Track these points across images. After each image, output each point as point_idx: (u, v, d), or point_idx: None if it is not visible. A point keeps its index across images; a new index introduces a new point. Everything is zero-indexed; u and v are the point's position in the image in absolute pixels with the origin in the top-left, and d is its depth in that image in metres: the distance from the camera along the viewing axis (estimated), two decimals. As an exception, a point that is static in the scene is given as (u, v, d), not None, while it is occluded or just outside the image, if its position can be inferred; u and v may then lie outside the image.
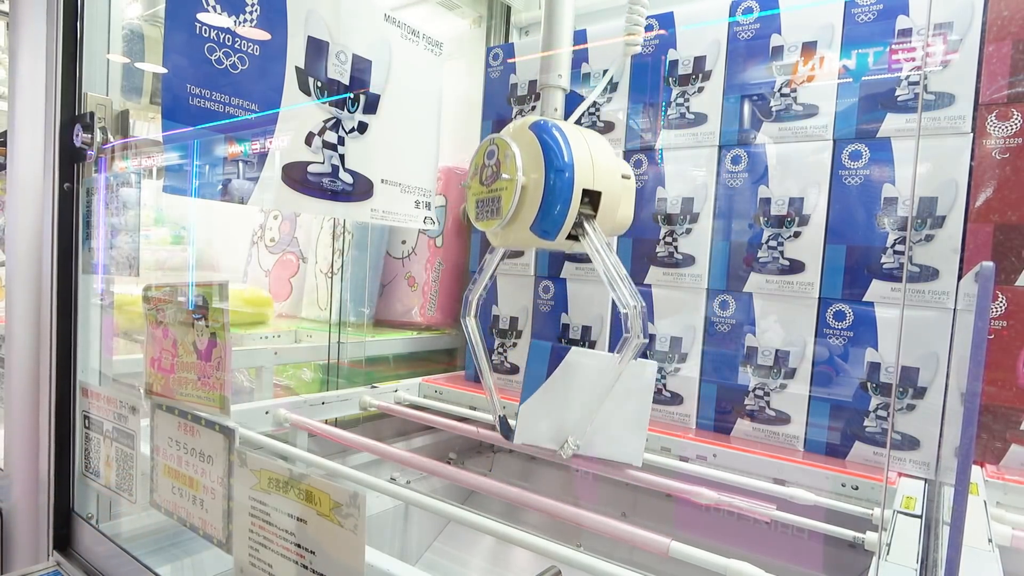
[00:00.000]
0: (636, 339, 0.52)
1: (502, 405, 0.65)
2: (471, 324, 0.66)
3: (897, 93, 0.66)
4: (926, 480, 0.64)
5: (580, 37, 0.85)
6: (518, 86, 0.94)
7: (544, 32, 0.65)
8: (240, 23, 0.61)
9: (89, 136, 0.69)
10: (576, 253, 0.87)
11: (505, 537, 0.52)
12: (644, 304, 0.53)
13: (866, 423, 0.67)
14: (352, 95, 0.73)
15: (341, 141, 0.72)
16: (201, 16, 0.58)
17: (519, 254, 0.93)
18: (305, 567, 0.45)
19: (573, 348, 0.56)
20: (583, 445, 0.57)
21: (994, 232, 0.62)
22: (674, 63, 0.79)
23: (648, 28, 0.79)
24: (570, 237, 0.57)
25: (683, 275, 0.78)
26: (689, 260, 0.78)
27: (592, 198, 0.57)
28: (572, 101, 0.67)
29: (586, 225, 0.56)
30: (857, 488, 0.63)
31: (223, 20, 0.60)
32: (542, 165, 0.54)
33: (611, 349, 0.84)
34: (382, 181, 0.77)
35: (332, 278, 1.13)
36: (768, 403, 0.73)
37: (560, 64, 0.64)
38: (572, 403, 0.57)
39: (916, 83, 0.65)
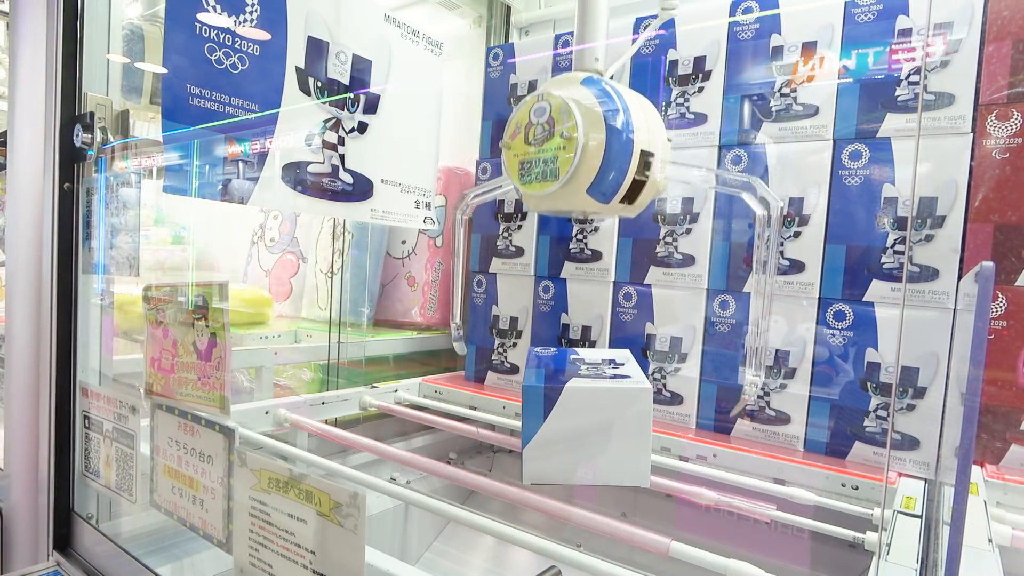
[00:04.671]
0: (771, 206, 0.49)
1: (459, 325, 0.62)
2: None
3: (897, 93, 0.66)
4: (926, 480, 0.64)
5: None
6: (518, 86, 0.94)
7: (578, 17, 0.62)
8: (240, 23, 0.61)
9: (89, 136, 0.69)
10: (584, 253, 0.87)
11: (505, 537, 0.52)
12: (758, 179, 0.51)
13: (866, 423, 0.67)
14: (352, 95, 0.73)
15: (341, 141, 0.72)
16: (201, 16, 0.58)
17: (519, 253, 0.93)
18: (305, 567, 0.45)
19: (566, 387, 0.56)
20: (589, 474, 0.56)
21: (994, 232, 0.62)
22: (674, 63, 0.79)
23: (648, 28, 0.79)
24: (622, 199, 0.55)
25: (683, 275, 0.78)
26: (689, 260, 0.78)
27: (647, 157, 0.54)
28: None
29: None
30: (857, 488, 0.63)
31: (223, 20, 0.60)
32: (602, 124, 0.51)
33: (611, 347, 0.84)
34: (382, 181, 0.77)
35: (332, 278, 1.13)
36: (768, 403, 0.73)
37: (596, 48, 0.61)
38: (574, 439, 0.56)
39: (916, 83, 0.65)
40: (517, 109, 0.58)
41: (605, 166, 0.52)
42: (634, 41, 0.80)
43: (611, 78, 0.60)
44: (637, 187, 0.54)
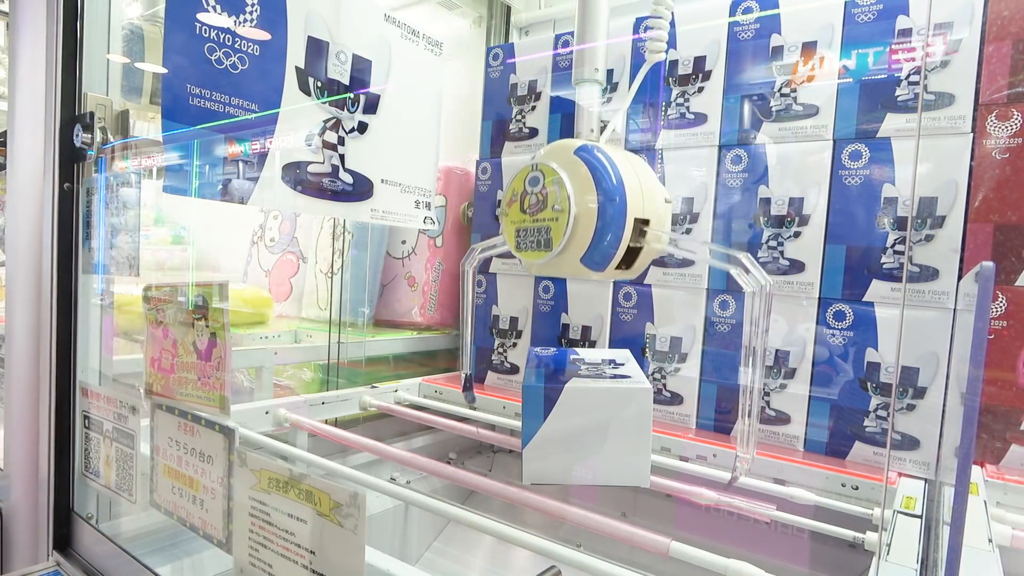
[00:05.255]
0: (759, 286, 0.49)
1: (468, 375, 0.63)
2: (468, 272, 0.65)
3: (897, 93, 0.66)
4: (926, 480, 0.64)
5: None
6: (518, 86, 0.94)
7: (578, 24, 0.62)
8: (240, 23, 0.61)
9: (89, 136, 0.69)
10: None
11: (505, 537, 0.52)
12: (748, 254, 0.51)
13: (866, 423, 0.67)
14: (352, 95, 0.73)
15: (341, 141, 0.72)
16: (201, 16, 0.58)
17: (519, 254, 0.93)
18: (305, 567, 0.45)
19: (566, 387, 0.56)
20: (589, 474, 0.56)
21: (994, 232, 0.62)
22: (674, 63, 0.79)
23: (647, 29, 0.79)
24: (618, 266, 0.55)
25: (683, 275, 0.78)
26: (689, 260, 0.78)
27: (641, 225, 0.54)
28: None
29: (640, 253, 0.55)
30: (857, 488, 0.63)
31: (223, 20, 0.60)
32: (594, 195, 0.52)
33: (611, 347, 0.84)
34: (382, 181, 0.77)
35: (332, 278, 1.13)
36: (768, 403, 0.73)
37: (596, 57, 0.61)
38: (574, 439, 0.56)
39: (916, 83, 0.65)
40: (514, 178, 0.59)
41: (597, 237, 0.52)
42: (634, 41, 0.80)
43: (611, 131, 0.60)
44: (633, 254, 0.54)
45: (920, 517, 0.53)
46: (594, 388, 0.55)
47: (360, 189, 0.75)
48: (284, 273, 1.24)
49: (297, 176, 0.68)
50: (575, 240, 0.53)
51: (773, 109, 0.73)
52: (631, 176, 0.53)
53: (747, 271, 0.47)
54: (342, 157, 0.72)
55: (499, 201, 0.95)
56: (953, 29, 0.63)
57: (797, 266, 0.71)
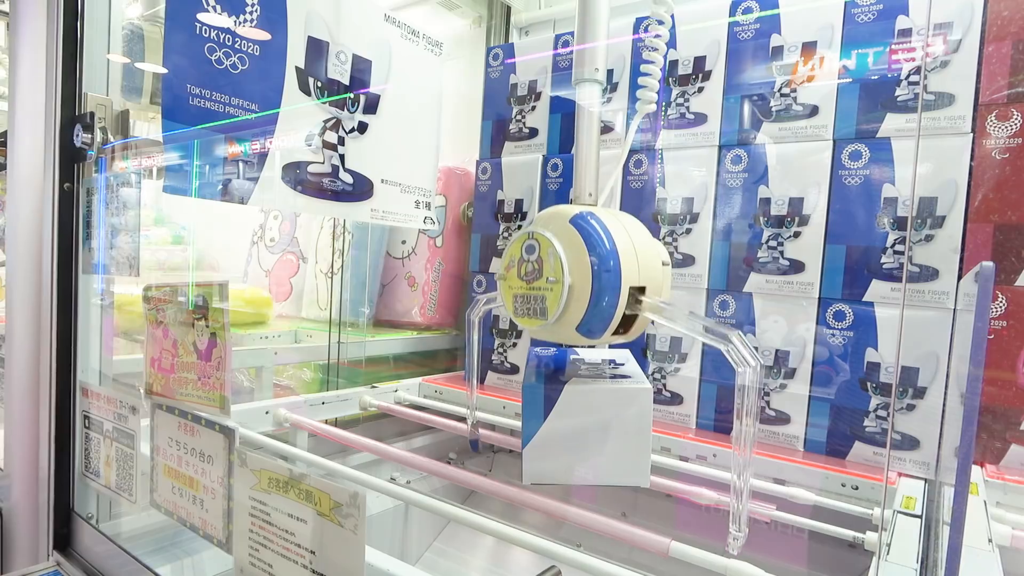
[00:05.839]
0: (748, 368, 0.49)
1: (475, 421, 0.65)
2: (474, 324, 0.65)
3: (897, 93, 0.66)
4: (926, 480, 0.64)
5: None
6: (518, 86, 0.95)
7: (578, 22, 0.61)
8: (240, 23, 0.61)
9: (89, 136, 0.69)
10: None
11: (505, 537, 0.52)
12: (740, 333, 0.51)
13: (866, 423, 0.67)
14: (352, 95, 0.73)
15: (341, 141, 0.72)
16: (201, 16, 0.58)
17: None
18: (305, 567, 0.45)
19: (566, 387, 0.56)
20: (589, 474, 0.56)
21: (994, 232, 0.62)
22: (674, 63, 0.79)
23: (647, 30, 0.79)
24: (615, 332, 0.54)
25: (683, 275, 0.78)
26: (689, 260, 0.78)
27: (636, 293, 0.54)
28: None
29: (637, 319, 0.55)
30: (857, 488, 0.63)
31: (223, 20, 0.60)
32: (588, 268, 0.51)
33: (611, 347, 0.84)
34: (382, 181, 0.77)
35: (332, 278, 1.13)
36: (768, 403, 0.73)
37: (596, 57, 0.60)
38: (574, 438, 0.57)
39: (916, 83, 0.65)
40: (511, 243, 0.58)
41: (592, 307, 0.51)
42: (634, 41, 0.80)
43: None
44: (629, 320, 0.54)
45: (920, 517, 0.53)
46: (594, 388, 0.55)
47: (360, 189, 0.75)
48: (284, 273, 1.24)
49: (297, 176, 0.68)
50: (569, 311, 0.52)
51: (773, 109, 0.73)
52: (626, 243, 0.53)
53: (738, 350, 0.47)
54: (342, 157, 0.72)
55: (499, 201, 0.95)
56: (953, 29, 0.63)
57: (797, 266, 0.71)
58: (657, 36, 0.62)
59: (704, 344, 0.77)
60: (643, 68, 0.62)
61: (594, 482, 0.55)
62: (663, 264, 0.57)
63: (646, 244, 0.56)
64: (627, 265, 0.53)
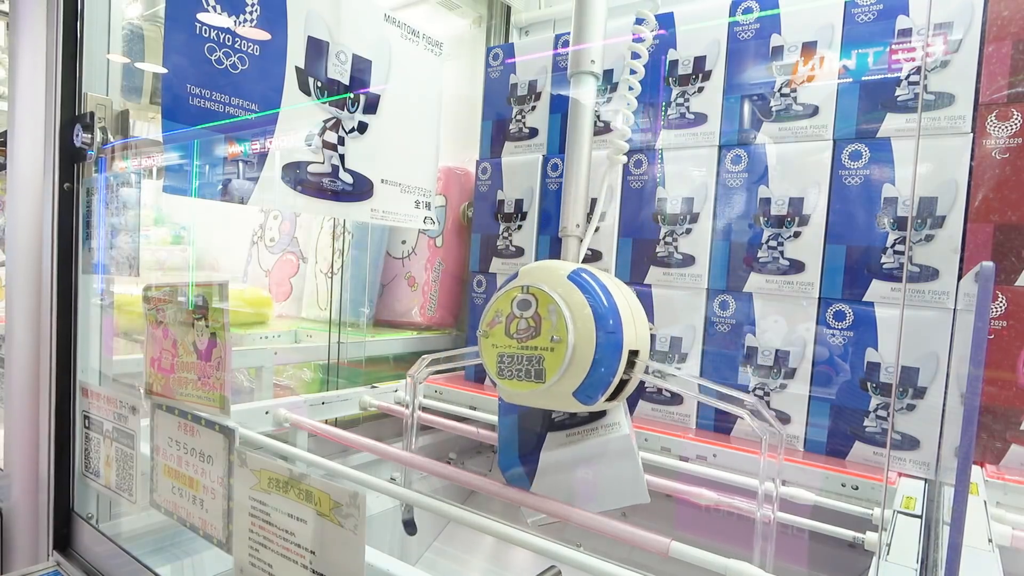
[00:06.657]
0: (770, 431, 0.47)
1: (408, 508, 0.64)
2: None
3: (897, 93, 0.66)
4: (926, 480, 0.64)
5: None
6: (518, 86, 0.94)
7: (575, 16, 0.60)
8: (240, 23, 0.61)
9: (89, 136, 0.69)
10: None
11: (505, 537, 0.52)
12: (754, 399, 0.48)
13: (866, 423, 0.67)
14: (352, 95, 0.73)
15: (341, 141, 0.72)
16: (201, 16, 0.58)
17: (519, 253, 0.93)
18: (305, 567, 0.45)
19: (542, 458, 0.55)
20: (590, 505, 0.56)
21: (994, 232, 0.62)
22: (674, 63, 0.79)
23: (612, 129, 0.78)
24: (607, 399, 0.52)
25: (683, 275, 0.78)
26: (689, 260, 0.78)
27: (632, 357, 0.51)
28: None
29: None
30: (857, 488, 0.63)
31: (223, 20, 0.60)
32: (592, 327, 0.48)
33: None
34: (382, 181, 0.77)
35: (332, 278, 1.13)
36: (768, 403, 0.73)
37: (592, 49, 0.59)
38: (566, 486, 0.57)
39: (916, 83, 0.65)
40: (497, 296, 0.53)
41: (594, 370, 0.48)
42: (634, 39, 0.79)
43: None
44: (622, 386, 0.51)
45: (920, 517, 0.53)
46: (570, 452, 0.55)
47: (360, 189, 0.75)
48: (284, 273, 1.24)
49: (297, 176, 0.68)
50: (571, 373, 0.49)
51: (773, 109, 0.73)
52: (624, 304, 0.51)
53: (759, 413, 0.46)
54: (342, 157, 0.72)
55: (499, 201, 0.95)
56: (953, 29, 0.63)
57: (797, 266, 0.71)
58: (639, 39, 0.62)
59: (704, 345, 0.77)
60: (613, 125, 0.62)
61: (597, 510, 0.55)
62: (649, 327, 0.54)
63: (636, 306, 0.54)
64: (627, 327, 0.50)
